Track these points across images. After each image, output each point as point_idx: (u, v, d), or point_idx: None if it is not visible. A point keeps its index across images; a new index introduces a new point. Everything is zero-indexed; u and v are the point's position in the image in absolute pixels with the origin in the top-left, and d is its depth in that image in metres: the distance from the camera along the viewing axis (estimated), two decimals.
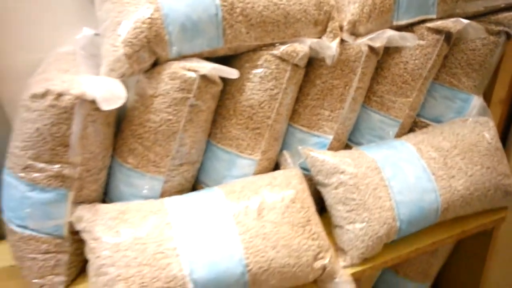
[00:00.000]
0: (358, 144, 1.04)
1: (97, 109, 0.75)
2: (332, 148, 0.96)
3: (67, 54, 0.86)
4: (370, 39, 0.89)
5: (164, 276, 0.72)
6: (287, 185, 0.84)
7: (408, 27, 0.96)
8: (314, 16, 0.84)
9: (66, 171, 0.78)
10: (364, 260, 0.89)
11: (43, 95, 0.73)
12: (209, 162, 0.92)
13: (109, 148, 0.85)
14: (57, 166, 0.77)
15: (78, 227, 0.79)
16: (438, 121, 1.08)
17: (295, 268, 0.78)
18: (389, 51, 0.98)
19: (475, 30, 0.96)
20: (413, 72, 0.98)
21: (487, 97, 1.16)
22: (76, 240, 0.85)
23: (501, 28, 0.98)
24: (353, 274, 0.86)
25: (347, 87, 0.92)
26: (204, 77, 0.79)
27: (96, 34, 0.90)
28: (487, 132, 0.98)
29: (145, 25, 0.74)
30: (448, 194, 0.90)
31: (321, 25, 0.86)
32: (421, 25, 0.96)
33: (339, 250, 0.90)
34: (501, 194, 0.96)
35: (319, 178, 0.91)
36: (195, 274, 0.72)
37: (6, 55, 0.89)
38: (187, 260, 0.72)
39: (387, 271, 1.28)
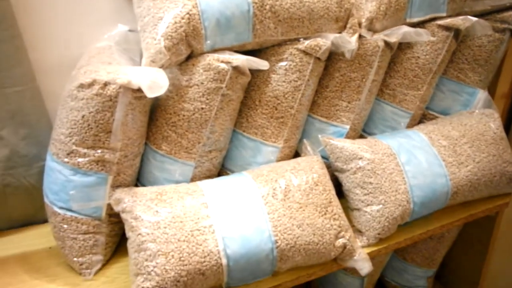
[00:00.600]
0: (371, 134, 1.11)
1: (137, 97, 0.82)
2: (348, 137, 1.03)
3: (106, 48, 0.92)
4: (386, 35, 0.96)
5: (201, 251, 0.78)
6: (310, 170, 0.90)
7: (420, 25, 1.03)
8: (336, 13, 0.91)
9: (107, 156, 0.84)
10: (380, 241, 0.95)
11: (90, 84, 0.79)
12: (235, 149, 0.99)
13: (144, 136, 0.91)
14: (99, 151, 0.83)
15: (117, 208, 0.85)
16: (445, 113, 1.15)
17: (319, 245, 0.84)
18: (401, 47, 1.04)
19: (482, 27, 1.02)
20: (424, 66, 1.04)
21: (490, 92, 1.22)
22: (111, 222, 0.91)
23: (506, 26, 1.05)
24: (369, 253, 0.93)
25: (364, 80, 0.98)
26: (235, 69, 0.85)
27: (130, 30, 0.97)
28: (493, 122, 1.05)
29: (184, 20, 0.80)
30: (457, 179, 0.97)
31: (342, 22, 0.93)
32: (432, 22, 1.02)
33: (356, 231, 0.96)
34: (505, 180, 1.03)
35: (338, 164, 0.97)
36: (229, 249, 0.78)
37: (47, 50, 0.95)
38: (221, 237, 0.79)
39: (395, 258, 1.35)
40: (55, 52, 0.96)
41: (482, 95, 1.13)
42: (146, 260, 0.77)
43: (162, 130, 0.91)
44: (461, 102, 1.14)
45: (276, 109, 0.94)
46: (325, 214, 0.86)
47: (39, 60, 0.95)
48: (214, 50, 0.86)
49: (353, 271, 1.16)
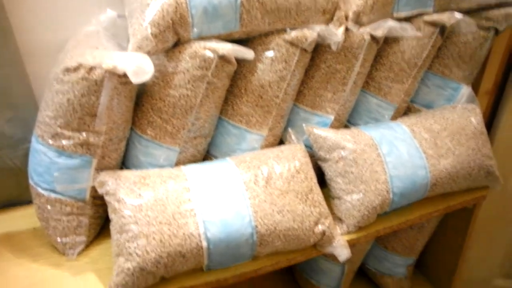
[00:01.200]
0: (356, 125, 1.13)
1: (123, 83, 0.83)
2: (333, 127, 1.04)
3: (93, 33, 0.92)
4: (372, 28, 0.97)
5: (182, 234, 0.80)
6: (293, 158, 0.92)
7: (407, 20, 1.04)
8: (323, 5, 0.92)
9: (92, 139, 0.85)
10: (359, 229, 0.98)
11: (76, 68, 0.80)
12: (220, 136, 1.00)
13: (129, 120, 0.92)
14: (84, 134, 0.84)
15: (101, 191, 0.86)
16: (429, 107, 1.17)
17: (298, 231, 0.87)
18: (388, 41, 1.06)
19: (468, 25, 1.04)
20: (409, 61, 1.06)
21: (474, 88, 1.24)
22: (95, 204, 0.93)
23: (491, 24, 1.07)
24: (349, 241, 0.95)
25: (349, 72, 1.00)
26: (221, 57, 0.86)
27: (119, 16, 0.97)
28: (474, 117, 1.07)
29: (171, 8, 0.81)
30: (437, 171, 0.99)
31: (329, 14, 0.94)
32: (419, 18, 1.04)
33: (337, 219, 0.99)
34: (483, 173, 1.05)
35: (321, 153, 0.99)
36: (209, 233, 0.80)
37: (34, 33, 0.96)
38: (202, 220, 0.81)
39: (376, 246, 1.38)
40: (42, 35, 0.96)
41: (465, 90, 1.15)
42: (128, 241, 0.79)
43: (147, 116, 0.92)
44: (445, 96, 1.16)
45: (262, 98, 0.95)
46: (305, 201, 0.88)
47: (26, 42, 0.95)
48: (201, 38, 0.87)
49: (334, 258, 1.18)
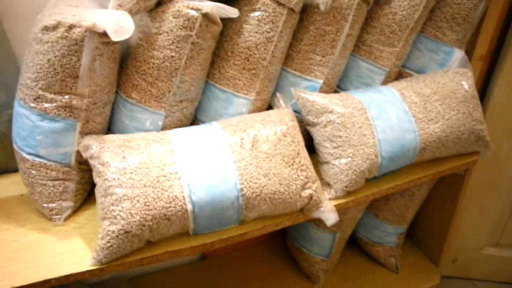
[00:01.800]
0: (346, 90, 1.11)
1: (105, 43, 0.81)
2: (322, 92, 1.03)
3: None
4: None
5: (166, 197, 0.79)
6: (280, 121, 0.90)
7: None
8: None
9: (75, 102, 0.83)
10: (348, 193, 0.97)
11: (54, 27, 0.77)
12: (207, 100, 0.98)
13: (113, 84, 0.90)
14: (66, 97, 0.82)
15: (85, 154, 0.85)
16: (422, 72, 1.15)
17: (285, 195, 0.86)
18: (379, 2, 1.03)
19: None
20: (401, 22, 1.03)
21: (468, 53, 1.22)
22: (82, 170, 0.92)
23: None
24: (337, 206, 0.95)
25: (338, 34, 0.97)
26: (206, 16, 0.84)
27: None
28: (465, 81, 1.05)
29: None
30: (426, 135, 0.98)
31: None
32: None
33: (325, 184, 0.98)
34: (474, 138, 1.04)
35: (309, 117, 0.98)
36: (194, 196, 0.80)
37: None
38: (187, 183, 0.80)
39: (367, 215, 1.38)
40: None
41: (458, 54, 1.13)
42: (112, 204, 0.78)
43: (132, 79, 0.90)
44: (438, 61, 1.14)
45: (248, 60, 0.93)
46: (292, 164, 0.87)
47: (5, 3, 0.92)
48: None
49: (325, 226, 1.18)
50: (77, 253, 0.82)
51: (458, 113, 1.01)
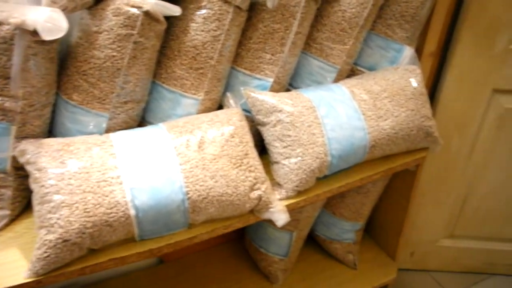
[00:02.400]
0: (298, 88, 1.10)
1: (39, 42, 0.76)
2: (273, 90, 1.01)
3: None
4: None
5: (107, 202, 0.76)
6: (228, 122, 0.88)
7: None
8: None
9: (7, 104, 0.78)
10: (298, 193, 0.96)
11: None
12: (155, 101, 0.95)
13: (52, 85, 0.86)
14: None
15: (22, 160, 0.81)
16: (373, 69, 1.16)
17: (233, 197, 0.84)
18: (329, 0, 1.03)
19: None
20: (351, 20, 1.03)
21: (419, 50, 1.24)
22: (19, 176, 0.87)
23: None
24: (287, 206, 0.94)
25: (287, 31, 0.96)
26: (147, 14, 0.80)
27: None
28: (414, 78, 1.06)
29: None
30: (375, 132, 0.98)
31: None
32: None
33: (276, 184, 0.97)
34: (422, 134, 1.06)
35: (259, 117, 0.96)
36: (137, 200, 0.77)
37: None
38: (129, 188, 0.77)
39: (324, 213, 1.39)
40: None
41: (408, 52, 1.14)
42: (50, 212, 0.74)
43: (73, 79, 0.86)
44: (388, 58, 1.15)
45: (195, 59, 0.91)
46: (240, 166, 0.85)
47: None
48: None
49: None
50: (13, 264, 0.78)
51: (407, 110, 1.02)
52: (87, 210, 0.74)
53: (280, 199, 0.95)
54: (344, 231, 1.39)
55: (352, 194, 1.30)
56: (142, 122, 0.98)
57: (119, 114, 0.89)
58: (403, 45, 1.13)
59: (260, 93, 0.96)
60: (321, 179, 0.99)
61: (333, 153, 0.94)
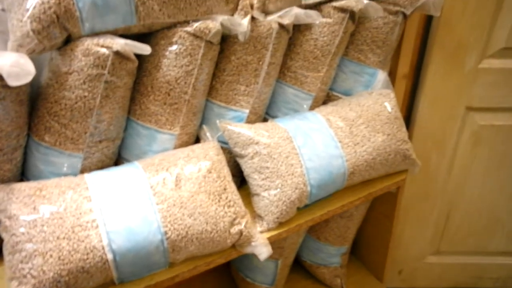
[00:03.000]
0: (275, 117, 1.10)
1: (6, 86, 0.74)
2: (250, 121, 1.01)
3: None
4: (279, 17, 0.94)
5: (83, 248, 0.73)
6: (204, 157, 0.88)
7: (316, 6, 1.03)
8: None
9: None
10: (280, 224, 0.95)
11: None
12: (130, 138, 0.94)
13: (23, 127, 0.84)
14: None
15: None
16: (348, 94, 1.17)
17: (213, 234, 0.83)
18: (300, 29, 1.04)
19: (375, 10, 1.04)
20: (323, 48, 1.04)
21: (392, 73, 1.26)
22: None
23: (398, 8, 1.07)
24: (270, 238, 0.93)
25: (260, 63, 0.97)
26: (118, 54, 0.80)
27: (3, 10, 0.88)
28: (388, 102, 1.07)
29: (53, 1, 0.73)
30: (353, 159, 0.98)
31: (233, 3, 0.90)
32: (328, 4, 1.02)
33: (256, 216, 0.96)
34: (400, 158, 1.06)
35: (237, 149, 0.96)
36: (114, 244, 0.75)
37: None
38: (105, 231, 0.75)
39: (309, 238, 1.37)
40: None
41: (381, 75, 1.16)
42: (21, 262, 0.72)
43: (44, 121, 0.84)
44: (363, 83, 1.16)
45: (169, 95, 0.90)
46: (219, 201, 0.84)
47: None
48: (96, 34, 0.80)
49: None
50: None
51: (383, 135, 1.03)
52: (62, 257, 0.72)
53: (262, 232, 0.94)
54: (330, 255, 1.38)
55: (335, 218, 1.30)
56: (118, 158, 0.97)
57: (93, 153, 0.88)
58: (376, 69, 1.15)
59: (236, 126, 0.96)
60: (302, 209, 0.99)
61: (312, 182, 0.94)
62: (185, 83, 0.90)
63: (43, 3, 0.73)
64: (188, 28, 0.86)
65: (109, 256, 0.75)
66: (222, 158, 0.90)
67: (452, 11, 1.18)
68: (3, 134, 0.79)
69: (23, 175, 0.90)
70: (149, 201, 0.79)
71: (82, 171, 0.88)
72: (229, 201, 0.85)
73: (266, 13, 0.94)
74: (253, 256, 1.27)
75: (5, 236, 0.75)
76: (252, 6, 0.92)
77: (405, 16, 1.09)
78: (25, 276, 0.71)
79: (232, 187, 0.88)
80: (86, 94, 0.81)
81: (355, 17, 1.05)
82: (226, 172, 0.88)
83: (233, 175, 0.97)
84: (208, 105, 1.00)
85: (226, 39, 0.95)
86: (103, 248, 0.74)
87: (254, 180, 0.94)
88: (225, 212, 0.84)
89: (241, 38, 0.91)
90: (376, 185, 1.08)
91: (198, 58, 0.89)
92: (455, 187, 1.50)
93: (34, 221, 0.74)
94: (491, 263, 1.66)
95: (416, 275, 1.70)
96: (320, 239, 1.36)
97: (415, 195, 1.48)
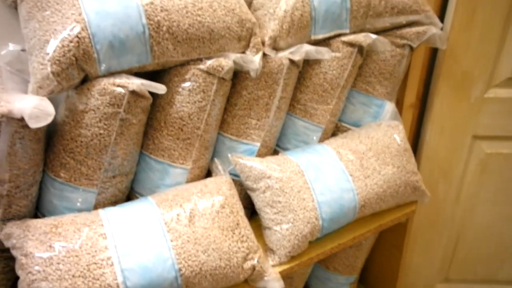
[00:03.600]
0: (285, 149, 1.11)
1: (25, 126, 0.76)
2: (260, 154, 1.02)
3: None
4: (290, 53, 0.96)
5: (98, 286, 0.74)
6: (217, 192, 0.88)
7: (325, 41, 1.05)
8: (237, 32, 0.90)
9: None
10: (292, 258, 0.96)
11: None
12: (143, 172, 0.95)
13: (39, 163, 0.85)
14: None
15: (8, 244, 0.79)
16: (357, 125, 1.18)
17: (226, 269, 0.83)
18: (309, 63, 1.06)
19: (382, 44, 1.06)
20: (332, 81, 1.06)
21: (399, 102, 1.28)
22: (4, 258, 0.85)
23: (405, 41, 1.10)
24: (281, 272, 0.93)
25: (271, 97, 0.98)
26: (133, 92, 0.82)
27: (23, 50, 0.90)
28: (397, 134, 1.09)
29: (72, 44, 0.76)
30: (364, 192, 0.99)
31: (245, 41, 0.92)
32: (337, 39, 1.05)
33: (268, 250, 0.96)
34: (410, 190, 1.07)
35: (248, 183, 0.97)
36: (129, 282, 0.75)
37: None
38: (120, 269, 0.75)
39: (318, 268, 1.37)
40: None
41: (389, 106, 1.17)
42: None
43: (59, 157, 0.85)
44: (371, 113, 1.18)
45: (182, 130, 0.91)
46: (232, 237, 0.85)
47: None
48: (111, 73, 0.82)
49: None
50: None
51: (393, 168, 1.04)
52: None
53: (273, 265, 0.94)
54: (339, 284, 1.38)
55: (344, 248, 1.29)
56: (130, 192, 0.98)
57: (107, 188, 0.89)
58: (384, 100, 1.16)
59: (248, 159, 0.97)
60: (313, 241, 0.99)
61: (323, 216, 0.94)
62: (198, 118, 0.91)
63: (63, 46, 0.75)
64: (202, 66, 0.88)
65: None
66: (234, 193, 0.91)
67: (457, 43, 1.21)
68: (21, 172, 0.80)
69: (37, 209, 0.90)
70: (163, 238, 0.79)
71: (96, 206, 0.89)
72: (242, 236, 0.86)
73: (277, 49, 0.96)
74: None
75: (21, 274, 0.75)
76: (263, 43, 0.94)
77: (411, 48, 1.12)
78: None
79: (244, 221, 0.88)
80: (101, 131, 0.83)
81: (363, 51, 1.07)
82: (238, 206, 0.89)
83: (244, 207, 0.98)
84: (219, 138, 1.01)
85: (237, 74, 0.97)
86: (118, 286, 0.75)
87: (266, 214, 0.95)
88: (238, 248, 0.84)
89: (252, 74, 0.93)
90: (386, 217, 1.09)
91: (211, 94, 0.90)
92: (463, 215, 1.49)
93: (50, 258, 0.74)
94: None
95: None
96: (329, 269, 1.35)
97: (423, 223, 1.48)
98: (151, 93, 0.86)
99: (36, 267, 0.74)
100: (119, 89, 0.80)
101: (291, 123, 1.11)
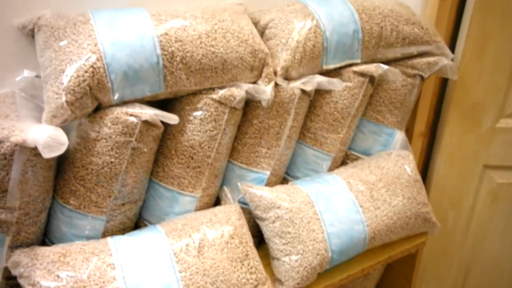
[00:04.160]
0: (294, 177, 1.11)
1: (38, 154, 0.76)
2: (270, 182, 1.02)
3: (7, 97, 0.86)
4: (302, 83, 0.96)
5: None
6: (227, 221, 0.88)
7: (337, 70, 1.05)
8: (250, 62, 0.91)
9: (3, 216, 0.77)
10: None
11: None
12: (152, 199, 0.95)
13: (49, 191, 0.85)
14: None
15: (15, 272, 0.78)
16: (367, 153, 1.18)
17: None
18: (320, 92, 1.06)
19: (393, 74, 1.06)
20: (343, 110, 1.06)
21: (409, 131, 1.28)
22: (11, 286, 0.84)
23: (416, 71, 1.10)
24: None
25: (282, 126, 0.98)
26: (145, 121, 0.82)
27: (37, 76, 0.91)
28: (408, 165, 1.08)
29: (87, 74, 0.76)
30: (374, 224, 0.98)
31: (257, 71, 0.93)
32: (348, 68, 1.05)
33: (276, 281, 0.95)
34: (420, 221, 1.06)
35: (257, 212, 0.96)
36: None
37: None
38: None
39: None
40: None
41: (399, 135, 1.17)
42: None
43: (69, 184, 0.85)
44: (381, 142, 1.17)
45: (193, 158, 0.91)
46: (241, 268, 0.84)
47: None
48: (124, 102, 0.83)
49: None
50: None
51: (403, 199, 1.03)
52: None
53: None
54: None
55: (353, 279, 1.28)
56: (139, 219, 0.97)
57: (116, 216, 0.88)
58: (394, 129, 1.16)
59: (258, 189, 0.97)
60: (322, 273, 0.98)
61: (333, 248, 0.93)
62: (209, 147, 0.91)
63: (78, 76, 0.76)
64: (214, 95, 0.89)
65: None
66: (244, 223, 0.90)
67: (468, 73, 1.21)
68: (31, 199, 0.80)
69: (45, 235, 0.90)
70: (172, 269, 0.79)
71: (104, 233, 0.88)
72: (251, 267, 0.85)
73: (289, 79, 0.96)
74: None
75: None
76: (275, 73, 0.95)
77: (422, 78, 1.12)
78: None
79: (253, 252, 0.87)
80: (113, 160, 0.83)
81: (374, 81, 1.07)
82: (248, 237, 0.89)
83: (253, 235, 0.97)
84: (229, 166, 1.01)
85: (249, 103, 0.97)
86: None
87: (275, 244, 0.94)
88: (247, 280, 0.83)
89: (264, 104, 0.93)
90: (396, 248, 1.07)
91: (222, 123, 0.91)
92: (473, 244, 1.47)
93: None
94: None
95: None
96: None
97: (433, 253, 1.46)
98: (163, 122, 0.87)
99: None
100: (132, 119, 0.81)
101: (301, 151, 1.10)
